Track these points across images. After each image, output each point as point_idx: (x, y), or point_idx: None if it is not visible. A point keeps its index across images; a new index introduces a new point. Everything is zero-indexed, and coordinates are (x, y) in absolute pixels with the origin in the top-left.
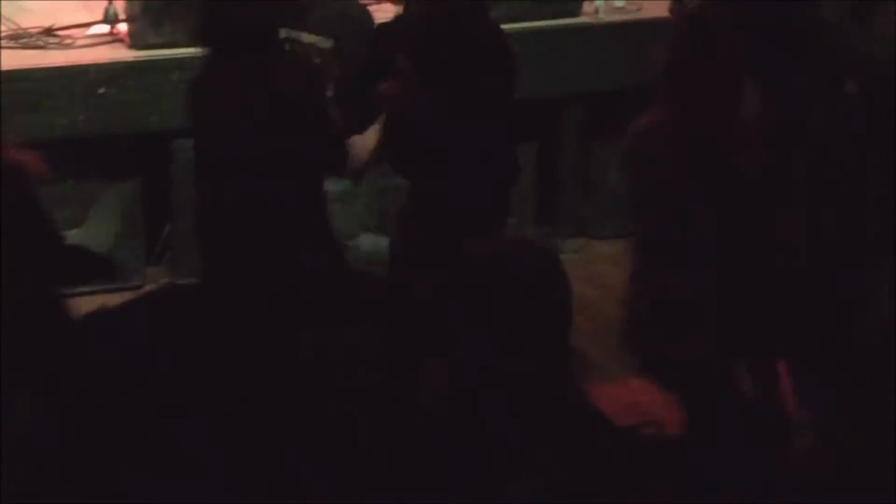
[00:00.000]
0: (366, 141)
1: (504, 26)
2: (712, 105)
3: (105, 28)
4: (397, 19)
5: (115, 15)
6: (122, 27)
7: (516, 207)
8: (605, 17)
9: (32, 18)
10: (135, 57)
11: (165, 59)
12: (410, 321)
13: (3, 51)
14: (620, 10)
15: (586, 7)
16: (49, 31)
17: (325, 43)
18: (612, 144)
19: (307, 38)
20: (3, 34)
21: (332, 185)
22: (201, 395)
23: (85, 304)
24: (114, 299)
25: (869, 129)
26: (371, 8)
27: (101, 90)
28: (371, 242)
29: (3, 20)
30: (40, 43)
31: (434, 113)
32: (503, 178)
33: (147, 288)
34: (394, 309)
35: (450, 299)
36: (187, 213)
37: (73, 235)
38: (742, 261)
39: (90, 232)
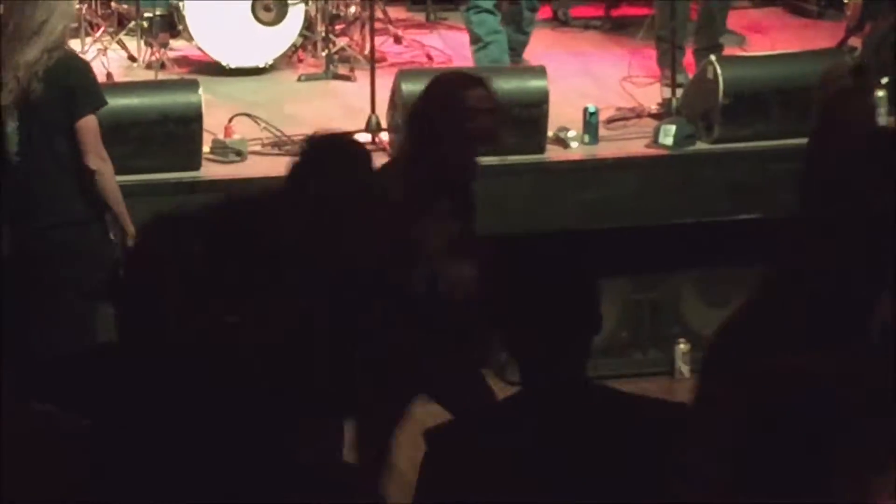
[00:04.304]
0: None
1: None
2: None
3: (367, 137)
4: None
5: (378, 124)
6: (384, 136)
7: None
8: None
9: (297, 127)
10: None
11: None
12: None
13: (266, 157)
14: None
15: None
16: None
17: None
18: None
19: None
20: (266, 141)
21: None
22: None
23: None
24: None
25: None
26: None
27: None
28: None
29: (267, 127)
30: None
31: None
32: None
33: None
34: None
35: None
36: None
37: None
38: None
39: None
